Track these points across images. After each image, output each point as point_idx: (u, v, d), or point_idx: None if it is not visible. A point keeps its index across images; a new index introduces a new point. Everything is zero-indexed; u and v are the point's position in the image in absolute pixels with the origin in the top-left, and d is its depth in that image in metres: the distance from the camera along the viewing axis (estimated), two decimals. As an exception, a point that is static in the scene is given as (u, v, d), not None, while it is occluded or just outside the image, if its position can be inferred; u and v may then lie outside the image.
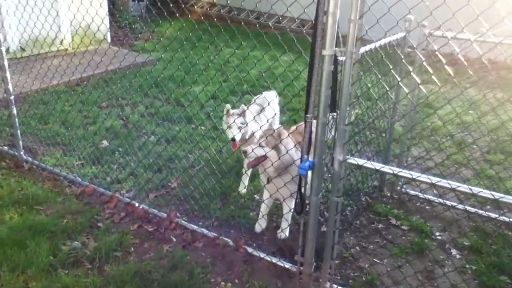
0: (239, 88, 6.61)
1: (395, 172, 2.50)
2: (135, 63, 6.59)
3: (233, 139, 3.97)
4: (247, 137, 4.08)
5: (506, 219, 3.87)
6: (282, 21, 10.29)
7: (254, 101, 4.50)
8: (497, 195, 2.27)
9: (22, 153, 4.72)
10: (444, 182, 2.38)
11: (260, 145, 3.40)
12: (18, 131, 4.64)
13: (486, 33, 2.86)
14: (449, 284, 3.20)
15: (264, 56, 3.71)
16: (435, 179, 2.42)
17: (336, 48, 2.46)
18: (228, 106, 4.06)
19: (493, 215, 4.01)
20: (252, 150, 3.40)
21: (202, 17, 3.74)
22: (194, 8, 11.68)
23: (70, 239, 3.56)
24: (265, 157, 3.38)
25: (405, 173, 2.48)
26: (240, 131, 4.01)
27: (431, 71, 2.64)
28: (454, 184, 2.37)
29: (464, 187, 2.34)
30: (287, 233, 3.67)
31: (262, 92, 4.67)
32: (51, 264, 3.26)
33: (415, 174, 2.46)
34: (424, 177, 2.43)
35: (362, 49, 2.63)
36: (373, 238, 3.79)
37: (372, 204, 4.22)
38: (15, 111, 4.56)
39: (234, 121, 3.96)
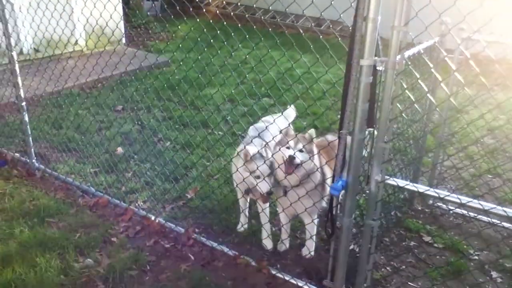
0: (257, 91, 6.36)
1: (442, 196, 2.23)
2: (152, 65, 6.39)
3: (270, 193, 3.15)
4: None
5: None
6: (299, 20, 10.02)
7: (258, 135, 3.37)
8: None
9: (34, 160, 4.54)
10: (499, 209, 2.11)
11: (300, 150, 3.04)
12: (30, 138, 4.46)
13: None
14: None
15: (284, 56, 3.36)
16: (488, 206, 2.15)
17: (376, 58, 2.20)
18: (248, 149, 3.17)
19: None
20: (295, 156, 2.99)
21: (219, 16, 3.52)
22: (210, 7, 11.45)
23: (83, 256, 3.37)
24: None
25: (453, 197, 2.21)
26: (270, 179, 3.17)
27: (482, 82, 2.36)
28: (510, 211, 2.09)
29: (523, 216, 2.06)
30: (313, 253, 3.42)
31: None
32: (62, 284, 3.08)
33: (464, 199, 2.19)
34: (475, 203, 2.16)
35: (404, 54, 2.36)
36: (405, 257, 3.52)
37: (402, 219, 3.95)
38: (26, 118, 4.38)
39: (258, 168, 3.12)
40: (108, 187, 4.24)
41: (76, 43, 7.32)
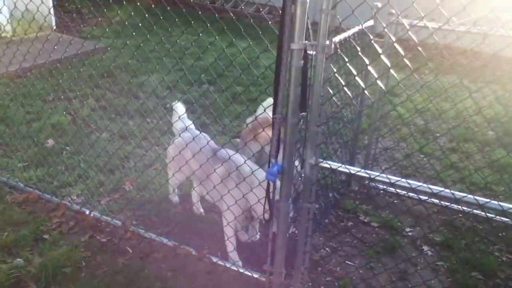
0: (193, 77, 6.25)
1: (373, 177, 2.29)
2: (83, 51, 6.07)
3: None
4: None
5: (478, 212, 3.79)
6: (239, 6, 9.94)
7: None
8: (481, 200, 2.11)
9: (-47, 156, 4.21)
10: (425, 187, 2.20)
11: None
12: None
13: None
14: (423, 285, 3.07)
15: (219, 42, 3.32)
16: (415, 184, 2.24)
17: (306, 42, 2.20)
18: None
19: (465, 209, 3.92)
20: None
21: (151, 1, 3.40)
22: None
23: (11, 256, 3.17)
24: None
25: (383, 177, 2.28)
26: None
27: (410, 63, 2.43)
28: (435, 189, 2.19)
29: (447, 192, 2.17)
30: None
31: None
32: (-12, 288, 2.88)
33: (393, 179, 2.27)
34: (403, 182, 2.25)
35: (335, 39, 2.38)
36: (343, 238, 3.62)
37: (340, 201, 4.05)
38: None
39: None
40: (38, 182, 4.01)
41: (-1, 28, 6.83)
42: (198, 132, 3.44)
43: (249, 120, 3.69)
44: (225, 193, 3.10)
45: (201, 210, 3.76)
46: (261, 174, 3.00)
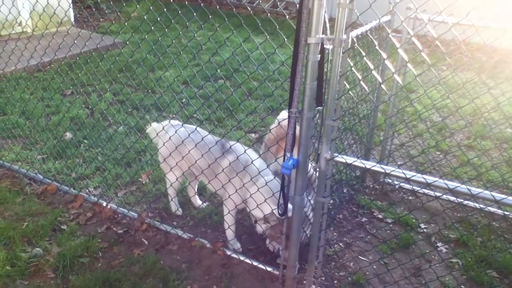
0: (210, 72, 6.29)
1: (388, 172, 2.29)
2: (102, 46, 6.15)
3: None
4: None
5: (495, 210, 3.76)
6: (255, 1, 9.93)
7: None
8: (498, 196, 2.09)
9: (-24, 148, 4.31)
10: (441, 183, 2.19)
11: None
12: (-30, 125, 4.22)
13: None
14: (437, 281, 3.05)
15: (237, 38, 3.36)
16: (431, 179, 2.23)
17: (323, 36, 2.20)
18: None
19: (481, 206, 3.89)
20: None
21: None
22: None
23: (31, 245, 3.25)
24: None
25: (398, 172, 2.27)
26: None
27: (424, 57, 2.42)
28: (451, 184, 2.18)
29: (463, 188, 2.16)
30: None
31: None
32: (8, 275, 2.95)
33: (409, 174, 2.26)
34: (419, 177, 2.24)
35: (352, 34, 2.38)
36: (357, 233, 3.62)
37: (354, 196, 4.05)
38: (-35, 103, 4.14)
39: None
40: (56, 173, 4.09)
41: (20, 23, 6.95)
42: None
43: (272, 126, 3.64)
44: (227, 182, 3.13)
45: (199, 202, 3.78)
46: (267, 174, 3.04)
